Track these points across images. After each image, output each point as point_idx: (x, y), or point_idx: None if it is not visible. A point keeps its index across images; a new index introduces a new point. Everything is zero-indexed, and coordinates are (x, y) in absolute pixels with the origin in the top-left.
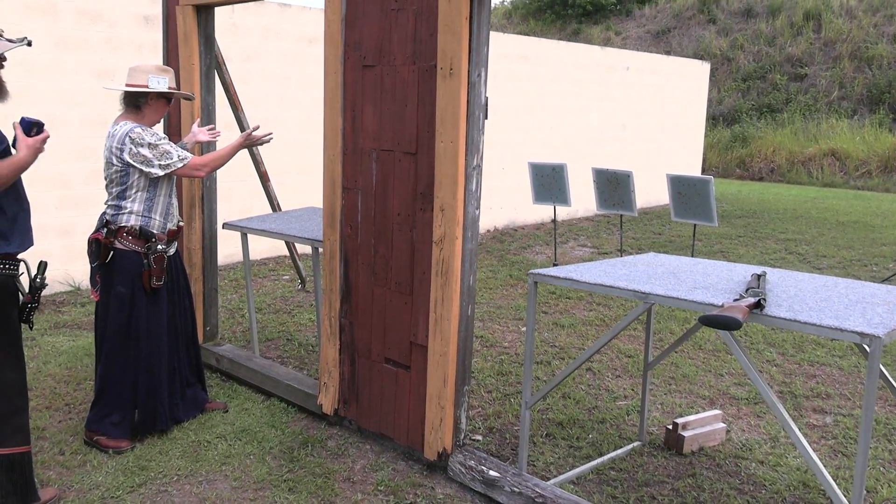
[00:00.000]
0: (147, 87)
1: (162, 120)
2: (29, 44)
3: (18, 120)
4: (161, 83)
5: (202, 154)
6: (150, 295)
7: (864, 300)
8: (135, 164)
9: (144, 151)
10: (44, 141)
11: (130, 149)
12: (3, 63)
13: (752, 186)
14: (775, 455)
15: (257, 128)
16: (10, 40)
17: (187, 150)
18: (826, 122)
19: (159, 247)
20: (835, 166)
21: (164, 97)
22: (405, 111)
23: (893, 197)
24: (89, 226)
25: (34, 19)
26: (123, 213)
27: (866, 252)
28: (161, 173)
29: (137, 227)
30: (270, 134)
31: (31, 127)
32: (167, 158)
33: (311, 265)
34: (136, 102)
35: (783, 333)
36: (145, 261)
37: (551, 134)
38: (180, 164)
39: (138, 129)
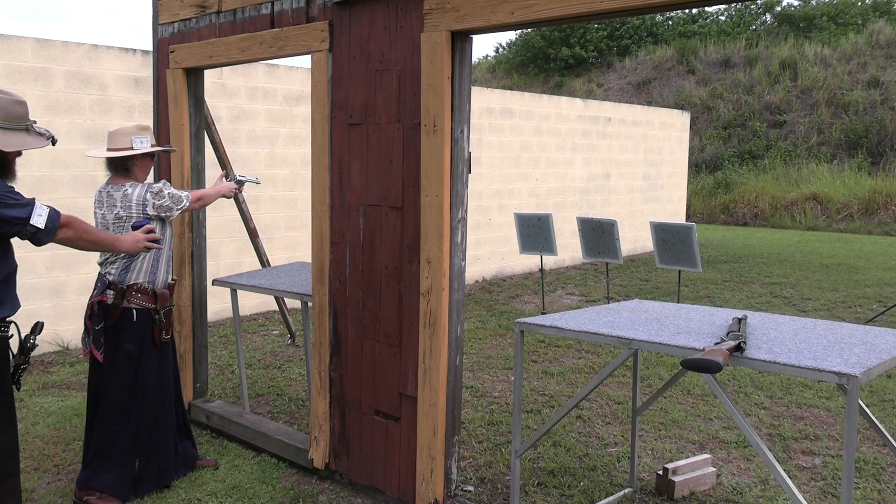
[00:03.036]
0: (132, 148)
1: (150, 176)
2: (54, 142)
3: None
4: (144, 143)
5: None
6: (159, 349)
7: (842, 341)
8: (160, 214)
9: (165, 202)
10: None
11: (154, 203)
12: (21, 152)
13: (737, 231)
14: (766, 498)
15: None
16: (40, 133)
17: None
18: (806, 167)
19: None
20: (817, 210)
21: (149, 155)
22: (391, 167)
23: (875, 239)
24: (78, 285)
25: (25, 83)
26: (132, 272)
27: (850, 294)
28: (178, 212)
29: (146, 284)
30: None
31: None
32: (179, 202)
33: (300, 320)
34: (124, 165)
35: (771, 377)
36: (156, 316)
37: (536, 185)
38: (187, 203)
39: (156, 186)
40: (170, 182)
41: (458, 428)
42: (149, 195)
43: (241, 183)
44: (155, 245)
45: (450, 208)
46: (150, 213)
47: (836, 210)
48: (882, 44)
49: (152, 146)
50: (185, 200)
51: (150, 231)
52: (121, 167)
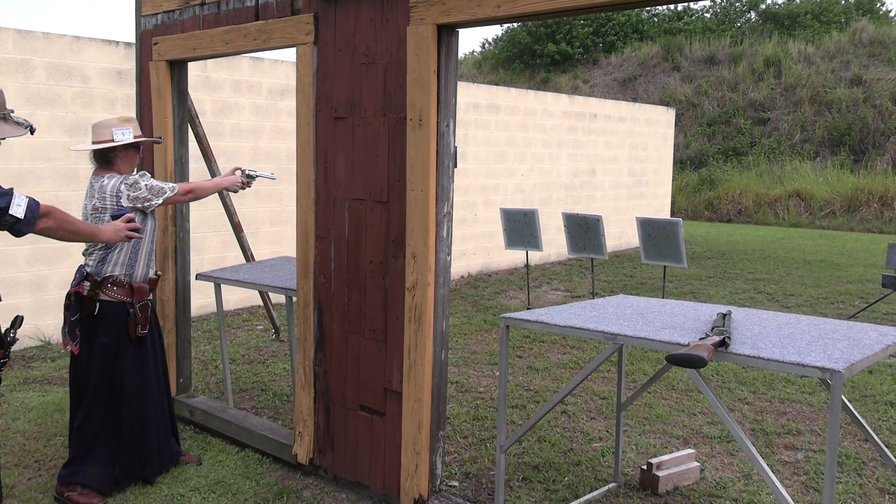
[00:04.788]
0: (113, 140)
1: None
2: (32, 131)
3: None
4: (126, 134)
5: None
6: (137, 344)
7: (825, 336)
8: (136, 205)
9: (142, 194)
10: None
11: (128, 194)
12: (0, 142)
13: (721, 228)
14: (748, 492)
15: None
16: (17, 122)
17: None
18: (790, 164)
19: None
20: (800, 207)
21: (133, 146)
22: (376, 161)
23: (857, 236)
24: (60, 279)
25: (6, 74)
26: (108, 264)
27: (832, 290)
28: (159, 203)
29: (122, 277)
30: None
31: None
32: (161, 194)
33: (285, 314)
34: (106, 157)
35: (754, 372)
36: (131, 310)
37: (522, 180)
38: (171, 193)
39: (131, 178)
40: (151, 174)
41: (442, 423)
42: (123, 186)
43: (250, 178)
44: (135, 234)
45: (435, 203)
46: (125, 203)
47: (819, 207)
48: (865, 42)
49: (135, 137)
50: (168, 191)
51: (131, 220)
52: (104, 159)
